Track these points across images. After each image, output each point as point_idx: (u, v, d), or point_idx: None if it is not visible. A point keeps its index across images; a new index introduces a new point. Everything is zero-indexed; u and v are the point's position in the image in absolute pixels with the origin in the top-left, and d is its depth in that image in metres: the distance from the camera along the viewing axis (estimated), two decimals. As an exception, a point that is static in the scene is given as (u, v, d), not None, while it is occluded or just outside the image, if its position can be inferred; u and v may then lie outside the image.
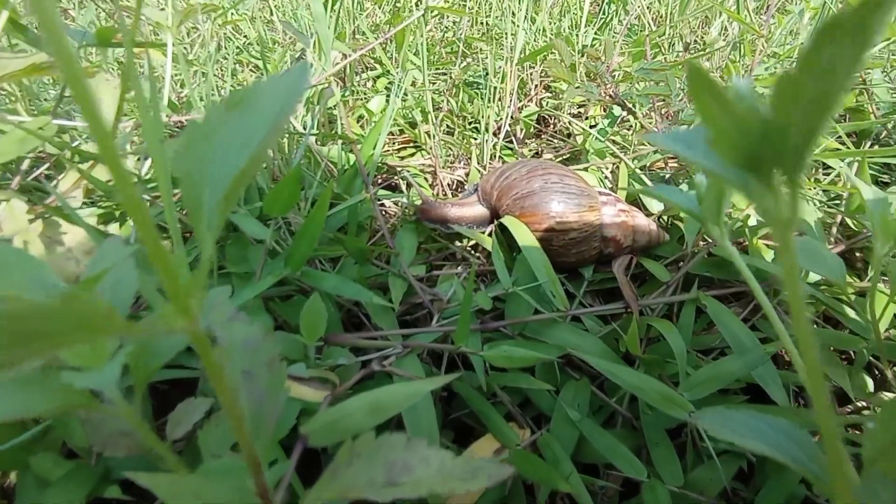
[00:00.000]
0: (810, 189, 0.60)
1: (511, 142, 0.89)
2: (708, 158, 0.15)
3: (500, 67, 0.88)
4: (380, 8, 1.44)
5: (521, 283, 0.54)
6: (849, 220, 0.59)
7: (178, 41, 0.88)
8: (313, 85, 0.70)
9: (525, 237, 0.55)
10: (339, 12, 1.12)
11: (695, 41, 1.09)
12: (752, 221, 0.60)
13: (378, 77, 1.14)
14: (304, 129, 0.77)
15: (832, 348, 0.51)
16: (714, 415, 0.42)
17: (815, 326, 0.57)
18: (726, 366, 0.48)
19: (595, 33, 1.18)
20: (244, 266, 0.56)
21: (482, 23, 1.28)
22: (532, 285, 0.53)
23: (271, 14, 1.46)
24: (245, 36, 1.45)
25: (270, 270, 0.51)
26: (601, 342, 0.53)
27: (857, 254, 0.60)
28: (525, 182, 0.58)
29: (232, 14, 1.38)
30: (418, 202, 0.64)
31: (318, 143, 0.84)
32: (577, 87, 0.65)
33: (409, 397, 0.32)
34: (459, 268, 0.64)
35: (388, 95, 0.99)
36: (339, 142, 0.73)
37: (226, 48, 1.34)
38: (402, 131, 0.92)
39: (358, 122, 0.97)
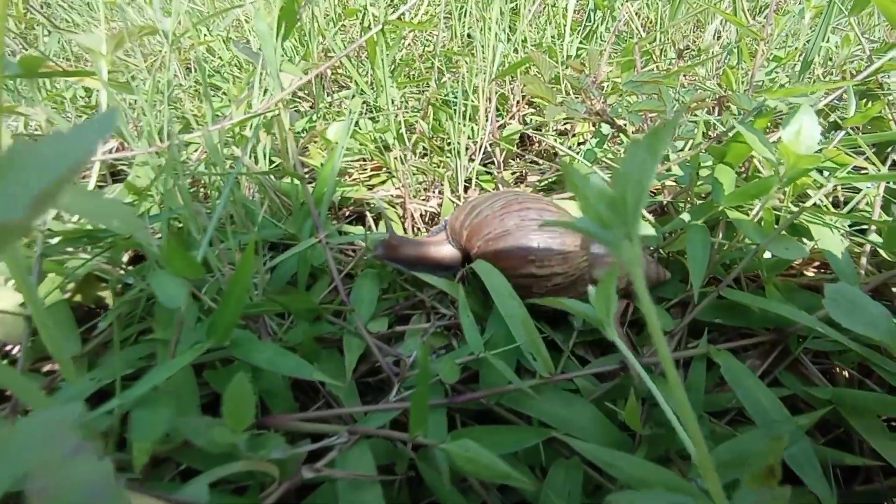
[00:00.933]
0: (830, 216, 0.51)
1: (491, 165, 0.81)
2: (583, 222, 0.20)
3: (476, 85, 0.80)
4: (360, 23, 1.37)
5: (496, 343, 0.46)
6: (882, 251, 0.50)
7: (126, 67, 0.80)
8: (260, 112, 0.62)
9: (499, 286, 0.46)
10: (308, 29, 1.04)
11: (688, 47, 1.01)
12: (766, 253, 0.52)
13: (352, 97, 1.06)
14: (256, 162, 0.69)
15: (878, 415, 0.41)
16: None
17: (852, 385, 0.48)
18: (750, 444, 0.39)
19: (581, 42, 1.10)
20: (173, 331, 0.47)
21: (464, 35, 1.20)
22: (509, 347, 0.45)
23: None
24: (220, 58, 1.37)
25: (191, 342, 0.43)
26: (594, 410, 0.44)
27: (895, 288, 0.51)
28: (498, 220, 0.50)
29: (204, 35, 1.31)
30: (384, 237, 0.55)
31: (275, 177, 0.76)
32: (560, 105, 0.57)
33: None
34: (429, 321, 0.55)
35: (356, 120, 0.91)
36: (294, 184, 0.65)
37: (195, 71, 1.26)
38: (373, 157, 0.84)
39: (324, 149, 0.89)
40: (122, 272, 0.61)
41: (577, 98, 0.64)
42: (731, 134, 0.54)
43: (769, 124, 0.70)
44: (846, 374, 0.49)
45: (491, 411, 0.46)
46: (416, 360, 0.47)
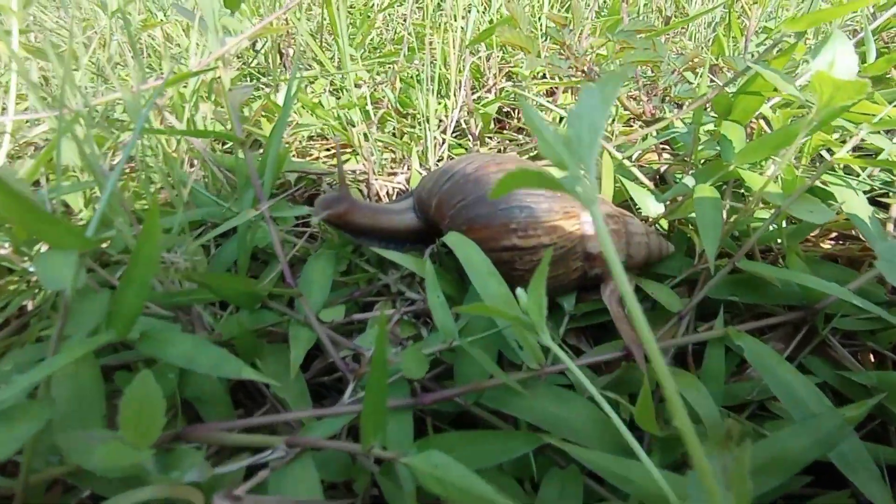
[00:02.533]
0: (853, 177, 0.44)
1: (463, 138, 0.73)
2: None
3: (448, 53, 0.72)
4: None
5: (473, 330, 0.37)
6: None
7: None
8: (197, 71, 0.53)
9: (475, 260, 0.38)
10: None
11: (675, 14, 0.95)
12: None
13: (314, 80, 0.97)
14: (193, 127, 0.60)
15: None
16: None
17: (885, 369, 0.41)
18: (790, 443, 0.31)
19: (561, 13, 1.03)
20: (83, 325, 0.38)
21: (436, 9, 1.12)
22: (489, 333, 0.36)
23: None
24: (178, 45, 1.26)
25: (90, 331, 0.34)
26: (592, 409, 0.36)
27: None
28: (472, 184, 0.42)
29: (160, 19, 1.20)
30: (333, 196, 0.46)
31: (215, 148, 0.66)
32: (539, 57, 0.49)
33: None
34: (395, 306, 0.46)
35: (319, 98, 0.83)
36: (236, 150, 0.56)
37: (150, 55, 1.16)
38: (335, 133, 0.75)
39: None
40: (26, 260, 0.51)
41: (560, 56, 0.57)
42: (738, 84, 0.46)
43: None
44: (872, 356, 0.42)
45: (468, 413, 0.37)
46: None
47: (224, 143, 0.77)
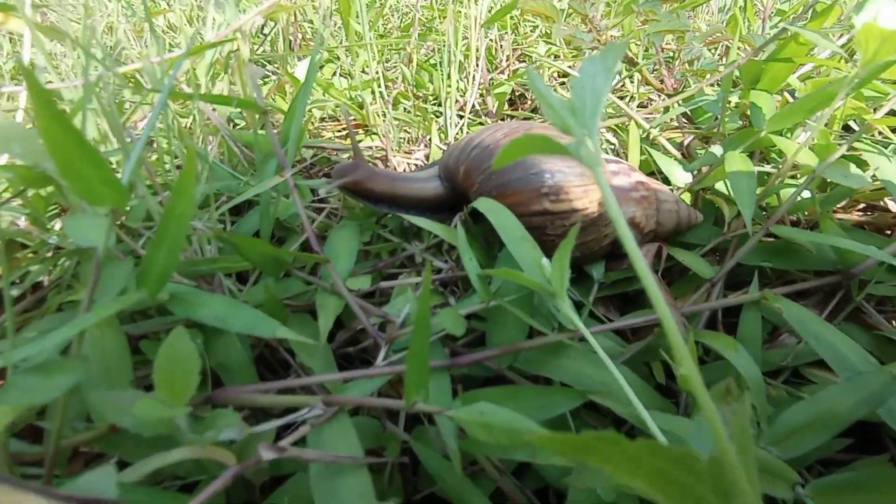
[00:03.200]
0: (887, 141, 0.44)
1: (479, 118, 0.72)
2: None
3: (463, 40, 0.71)
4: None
5: (507, 293, 0.37)
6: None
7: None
8: (215, 43, 0.52)
9: (509, 225, 0.38)
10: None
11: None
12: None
13: (322, 65, 0.96)
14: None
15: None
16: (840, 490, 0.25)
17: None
18: (832, 401, 0.31)
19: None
20: (110, 289, 0.37)
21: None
22: (523, 294, 0.36)
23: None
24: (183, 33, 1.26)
25: (118, 293, 0.33)
26: (628, 373, 0.35)
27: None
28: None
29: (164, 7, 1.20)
30: (348, 164, 0.46)
31: (233, 123, 0.66)
32: (565, 28, 0.49)
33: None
34: (419, 276, 0.46)
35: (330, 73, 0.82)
36: (256, 124, 0.55)
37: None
38: (350, 112, 0.75)
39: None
40: (48, 232, 0.50)
41: (584, 28, 0.56)
42: (767, 51, 0.46)
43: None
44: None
45: (502, 378, 0.37)
46: (406, 319, 0.38)
47: (235, 126, 0.76)
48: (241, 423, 0.30)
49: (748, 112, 0.53)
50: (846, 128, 0.51)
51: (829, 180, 0.47)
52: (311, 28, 1.08)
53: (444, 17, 0.92)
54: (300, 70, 0.60)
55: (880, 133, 0.53)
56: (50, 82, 0.56)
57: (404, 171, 0.63)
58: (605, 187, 0.18)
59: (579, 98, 0.19)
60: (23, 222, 0.51)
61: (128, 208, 0.48)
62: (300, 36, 1.06)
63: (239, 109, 0.73)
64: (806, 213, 0.47)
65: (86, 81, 0.38)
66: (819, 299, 0.42)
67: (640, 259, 0.17)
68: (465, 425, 0.25)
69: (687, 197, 0.50)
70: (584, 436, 0.17)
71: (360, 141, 0.71)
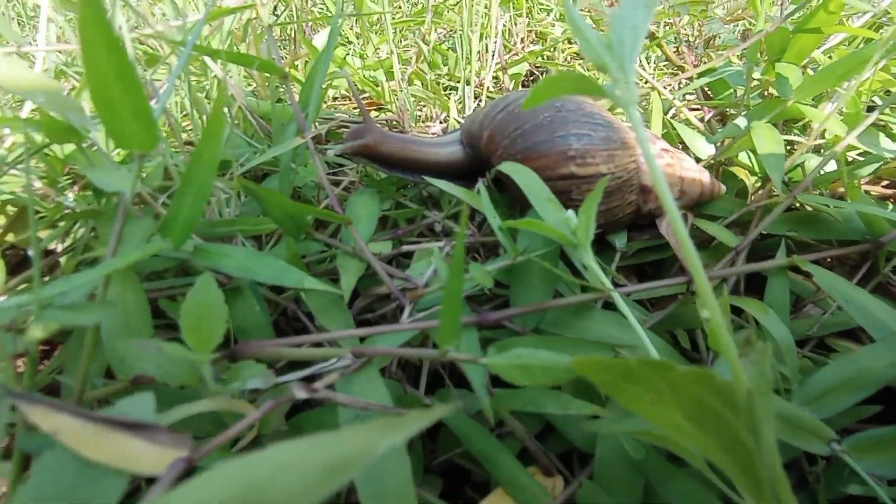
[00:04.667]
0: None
1: (494, 95, 0.71)
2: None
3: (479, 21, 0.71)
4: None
5: (533, 251, 0.36)
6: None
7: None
8: (235, 9, 0.52)
9: (535, 187, 0.37)
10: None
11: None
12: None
13: (336, 46, 0.96)
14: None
15: None
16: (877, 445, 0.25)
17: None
18: (865, 362, 0.30)
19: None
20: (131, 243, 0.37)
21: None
22: (550, 249, 0.35)
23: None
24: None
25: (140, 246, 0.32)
26: (654, 336, 0.35)
27: None
28: (529, 113, 0.40)
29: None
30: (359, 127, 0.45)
31: (251, 91, 0.65)
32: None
33: (350, 458, 0.13)
34: (441, 243, 0.45)
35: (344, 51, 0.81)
36: (273, 94, 0.54)
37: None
38: (364, 90, 0.74)
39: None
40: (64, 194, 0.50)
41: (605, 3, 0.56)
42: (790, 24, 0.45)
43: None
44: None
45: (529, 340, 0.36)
46: (430, 280, 0.38)
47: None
48: (268, 373, 0.29)
49: (770, 89, 0.52)
50: (871, 106, 0.51)
51: (853, 157, 0.47)
52: (321, 10, 1.08)
53: (456, 3, 0.91)
54: (318, 40, 0.60)
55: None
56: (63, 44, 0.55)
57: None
58: (639, 128, 0.18)
59: (617, 34, 0.18)
60: (38, 185, 0.50)
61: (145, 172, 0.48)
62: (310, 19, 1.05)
63: (253, 88, 0.73)
64: (829, 188, 0.47)
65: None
66: (844, 271, 0.42)
67: (673, 208, 0.16)
68: (501, 370, 0.25)
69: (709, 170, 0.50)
70: (630, 361, 0.17)
71: (375, 117, 0.71)
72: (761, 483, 0.15)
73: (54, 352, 0.46)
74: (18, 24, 1.37)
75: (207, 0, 0.60)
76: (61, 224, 0.49)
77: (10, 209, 0.51)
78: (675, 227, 0.17)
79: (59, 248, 0.51)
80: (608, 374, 0.15)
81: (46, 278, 0.49)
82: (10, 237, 0.51)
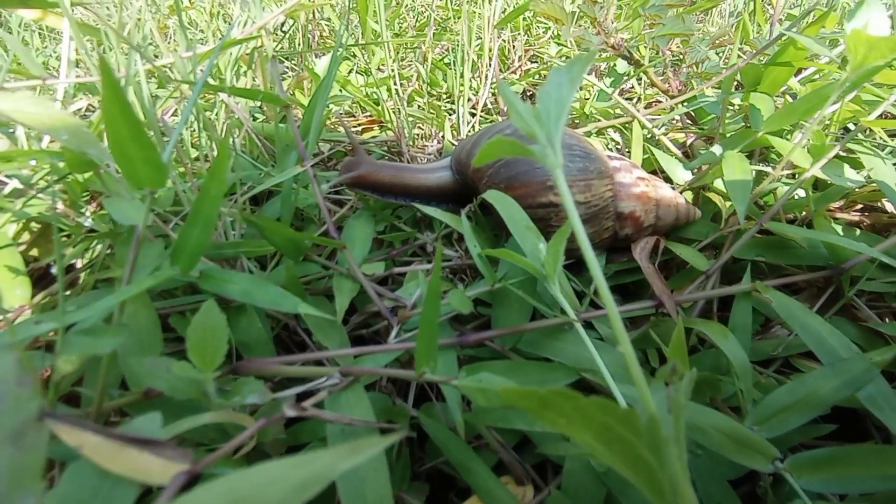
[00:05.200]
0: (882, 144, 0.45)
1: (491, 116, 0.74)
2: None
3: (477, 40, 0.74)
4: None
5: (512, 278, 0.39)
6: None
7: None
8: (241, 39, 0.55)
9: (515, 215, 0.40)
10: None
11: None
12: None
13: (340, 62, 0.99)
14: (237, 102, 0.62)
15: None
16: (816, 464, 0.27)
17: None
18: (814, 385, 0.33)
19: None
20: (144, 268, 0.40)
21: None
22: (525, 278, 0.38)
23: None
24: (201, 31, 1.29)
25: (151, 271, 0.36)
26: (622, 356, 0.38)
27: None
28: (512, 144, 0.43)
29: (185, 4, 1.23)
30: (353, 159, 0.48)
31: (254, 114, 0.69)
32: (574, 28, 0.51)
33: (315, 478, 0.16)
34: (430, 264, 0.48)
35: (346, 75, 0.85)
36: (277, 117, 0.58)
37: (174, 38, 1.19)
38: (366, 108, 0.77)
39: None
40: (83, 215, 0.53)
41: (593, 31, 0.58)
42: (766, 57, 0.48)
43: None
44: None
45: (505, 359, 0.39)
46: (417, 302, 0.41)
47: (256, 120, 0.79)
48: (265, 390, 0.32)
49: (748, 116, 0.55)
50: (846, 131, 0.53)
51: (825, 182, 0.49)
52: (329, 26, 1.11)
53: (459, 18, 0.94)
54: (320, 66, 0.63)
55: (880, 138, 0.55)
56: (85, 73, 0.59)
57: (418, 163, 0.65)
58: (562, 186, 0.19)
59: (544, 106, 0.21)
60: (60, 206, 0.54)
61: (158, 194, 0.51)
62: (318, 34, 1.09)
63: (259, 104, 0.77)
64: (802, 212, 0.49)
65: (127, 74, 0.41)
66: (812, 294, 0.44)
67: (588, 248, 0.19)
68: (467, 391, 0.28)
69: (688, 195, 0.52)
70: (545, 391, 0.19)
71: (375, 136, 0.74)
72: (665, 497, 0.18)
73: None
74: (39, 36, 1.42)
75: (216, 28, 0.64)
76: (81, 240, 0.53)
77: (34, 225, 0.55)
78: (590, 265, 0.20)
79: (80, 263, 0.55)
80: (529, 402, 0.18)
81: (68, 292, 0.53)
82: (34, 252, 0.55)
